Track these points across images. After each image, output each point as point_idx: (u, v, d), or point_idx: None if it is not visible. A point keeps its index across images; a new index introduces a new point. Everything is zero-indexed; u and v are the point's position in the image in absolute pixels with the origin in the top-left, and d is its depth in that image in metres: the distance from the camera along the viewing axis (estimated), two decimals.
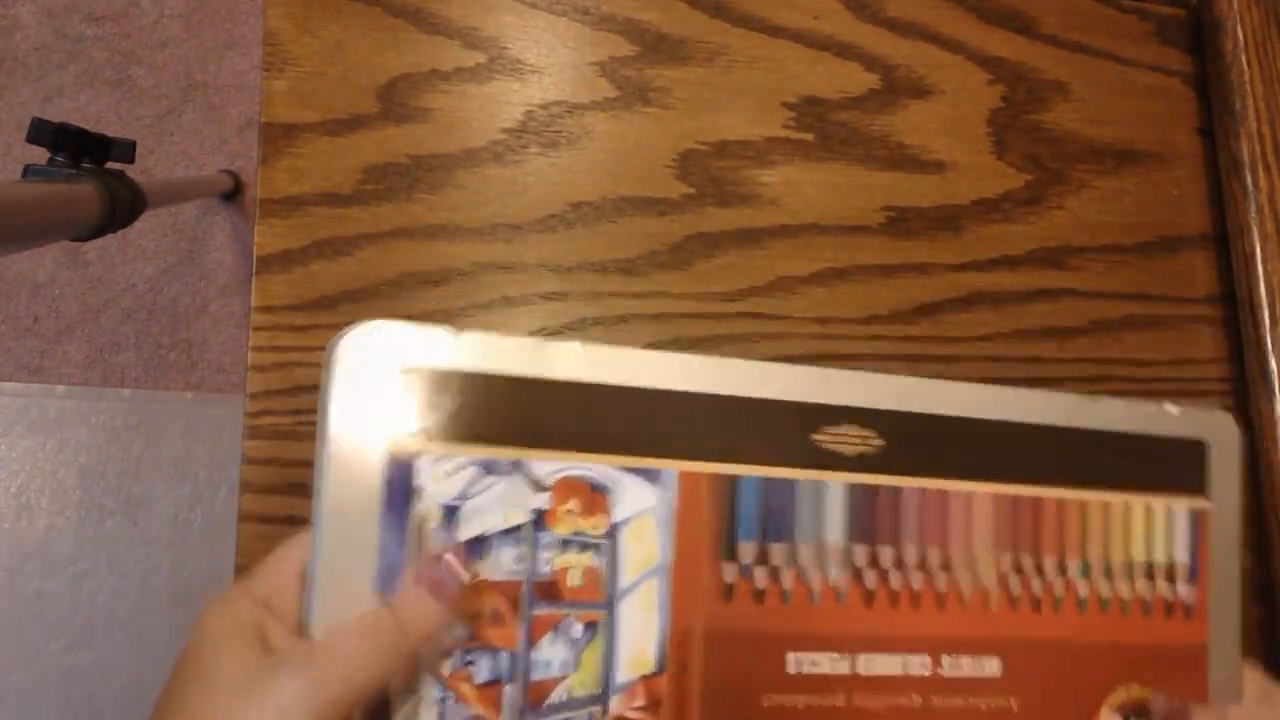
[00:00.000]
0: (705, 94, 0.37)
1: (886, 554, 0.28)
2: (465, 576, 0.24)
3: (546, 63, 0.37)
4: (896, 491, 0.28)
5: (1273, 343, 0.39)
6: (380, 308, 0.34)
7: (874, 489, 0.28)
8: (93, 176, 0.67)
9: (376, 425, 0.24)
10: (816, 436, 0.28)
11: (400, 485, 0.24)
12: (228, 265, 1.02)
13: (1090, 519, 0.30)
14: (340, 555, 0.24)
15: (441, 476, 0.25)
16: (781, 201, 0.37)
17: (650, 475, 0.26)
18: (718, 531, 0.27)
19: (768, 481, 0.27)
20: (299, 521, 0.32)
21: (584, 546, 0.26)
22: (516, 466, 0.25)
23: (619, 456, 0.26)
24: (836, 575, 0.28)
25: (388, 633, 0.23)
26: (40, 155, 0.68)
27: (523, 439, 0.25)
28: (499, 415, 0.25)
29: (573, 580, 0.26)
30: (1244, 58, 0.41)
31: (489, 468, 0.25)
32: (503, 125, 0.36)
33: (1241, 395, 0.40)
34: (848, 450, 0.28)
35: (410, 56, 0.36)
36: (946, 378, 0.37)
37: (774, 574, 0.27)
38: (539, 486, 0.26)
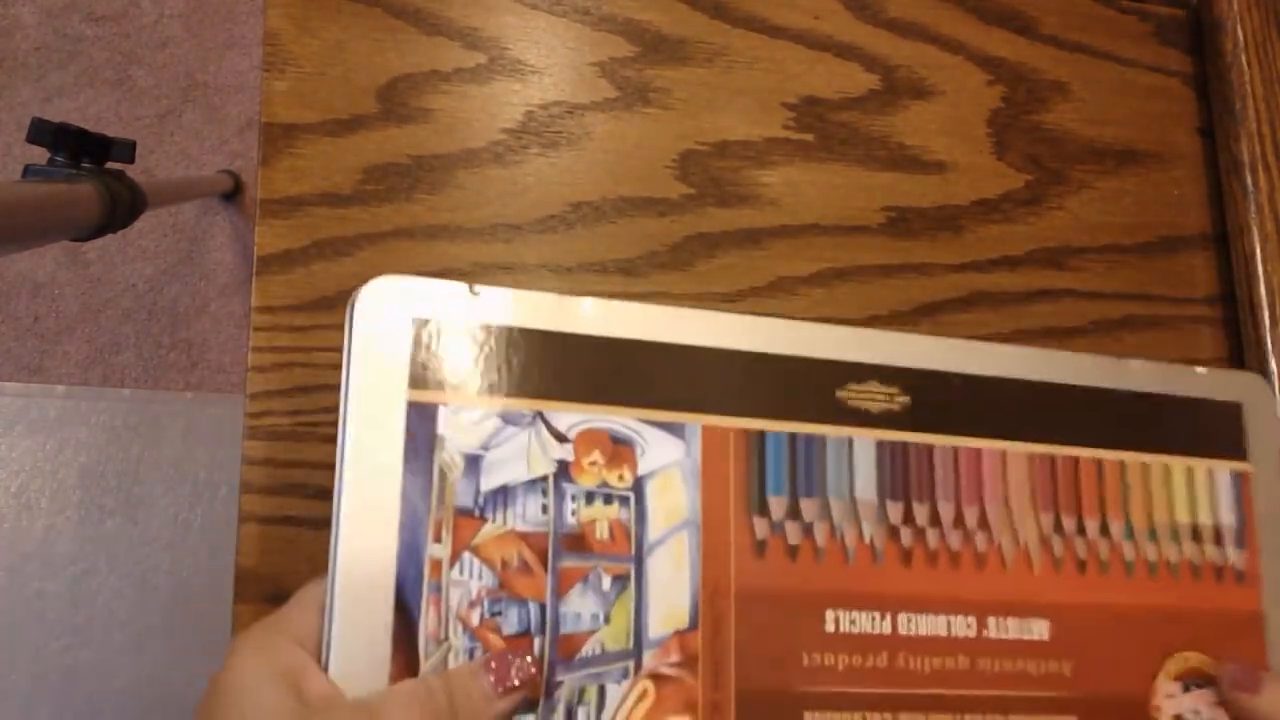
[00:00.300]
0: (705, 94, 0.37)
1: (921, 512, 0.28)
2: (535, 675, 0.24)
3: (547, 63, 0.37)
4: (928, 449, 0.28)
5: (1273, 343, 0.39)
6: None
7: (904, 446, 0.28)
8: (93, 176, 0.67)
9: (397, 375, 0.24)
10: (841, 393, 0.28)
11: (422, 434, 0.24)
12: (228, 265, 1.02)
13: (1130, 480, 0.29)
14: (364, 503, 0.24)
15: (463, 426, 0.25)
16: (782, 202, 0.37)
17: (674, 429, 0.26)
18: (746, 487, 0.27)
19: (794, 437, 0.27)
20: (299, 522, 0.32)
21: (609, 499, 0.26)
22: (538, 418, 0.25)
23: (642, 410, 0.26)
24: (871, 532, 0.27)
25: (436, 714, 0.22)
26: (40, 155, 0.68)
27: (544, 392, 0.25)
28: (519, 368, 0.25)
29: (600, 533, 0.25)
30: (1244, 58, 0.41)
31: (510, 419, 0.25)
32: (503, 126, 0.36)
33: None
34: (874, 407, 0.28)
35: (411, 57, 0.36)
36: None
37: (807, 530, 0.27)
38: (561, 438, 0.25)
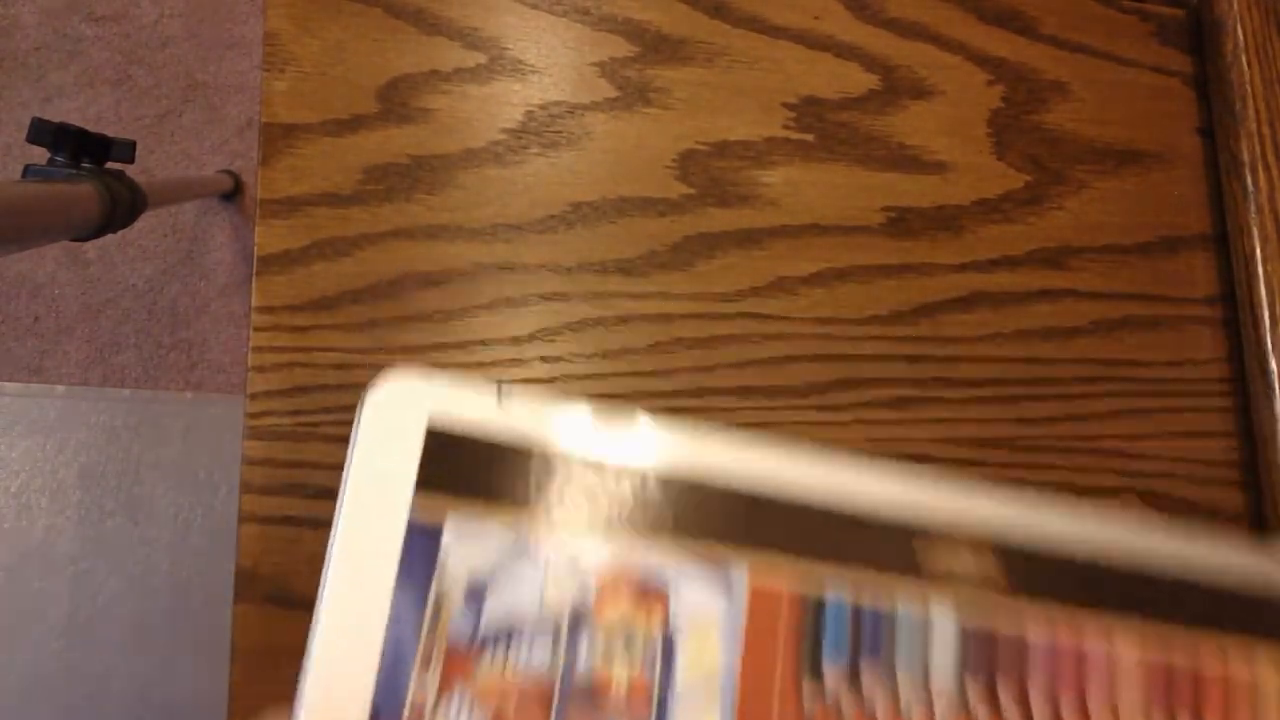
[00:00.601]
0: (705, 94, 0.37)
1: (1007, 695, 0.23)
2: None
3: (547, 63, 0.37)
4: (1019, 622, 0.24)
5: (1273, 343, 0.39)
6: (381, 308, 0.34)
7: (991, 616, 0.23)
8: (93, 176, 0.67)
9: (401, 485, 0.22)
10: (921, 551, 0.24)
11: (420, 556, 0.21)
12: (228, 265, 1.02)
13: (1265, 678, 0.24)
14: (344, 627, 0.21)
15: (469, 550, 0.22)
16: (782, 202, 0.37)
17: (717, 576, 0.22)
18: (797, 647, 0.23)
19: (860, 595, 0.23)
20: (299, 522, 0.32)
21: (632, 649, 0.22)
22: (557, 547, 0.22)
23: (681, 549, 0.22)
24: (943, 711, 0.23)
25: None
26: (40, 155, 0.68)
27: (568, 520, 0.22)
28: (542, 491, 0.22)
29: (617, 689, 0.22)
30: (1244, 58, 0.41)
31: (524, 546, 0.22)
32: (503, 126, 0.36)
33: (1241, 395, 0.40)
34: (959, 569, 0.24)
35: (410, 57, 0.36)
36: (946, 379, 0.37)
37: (867, 707, 0.22)
38: (582, 573, 0.22)
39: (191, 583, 0.95)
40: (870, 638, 0.23)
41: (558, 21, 0.37)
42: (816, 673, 0.22)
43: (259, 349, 0.33)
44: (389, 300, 0.34)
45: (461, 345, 0.34)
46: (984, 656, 0.23)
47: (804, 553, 0.23)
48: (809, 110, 0.38)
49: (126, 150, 0.73)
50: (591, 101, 0.37)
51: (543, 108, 0.36)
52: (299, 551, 0.32)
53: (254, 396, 0.33)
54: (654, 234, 0.36)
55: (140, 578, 0.95)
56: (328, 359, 0.33)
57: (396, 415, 0.22)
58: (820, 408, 0.36)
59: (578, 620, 0.22)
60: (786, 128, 0.38)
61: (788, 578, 0.23)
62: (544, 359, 0.34)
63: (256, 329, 0.33)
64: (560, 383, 0.34)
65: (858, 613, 0.23)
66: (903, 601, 0.23)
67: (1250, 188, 0.40)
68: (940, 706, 0.23)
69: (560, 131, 0.36)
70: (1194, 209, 0.41)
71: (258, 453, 0.33)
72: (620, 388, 0.35)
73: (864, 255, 0.37)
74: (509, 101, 0.36)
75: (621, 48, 0.37)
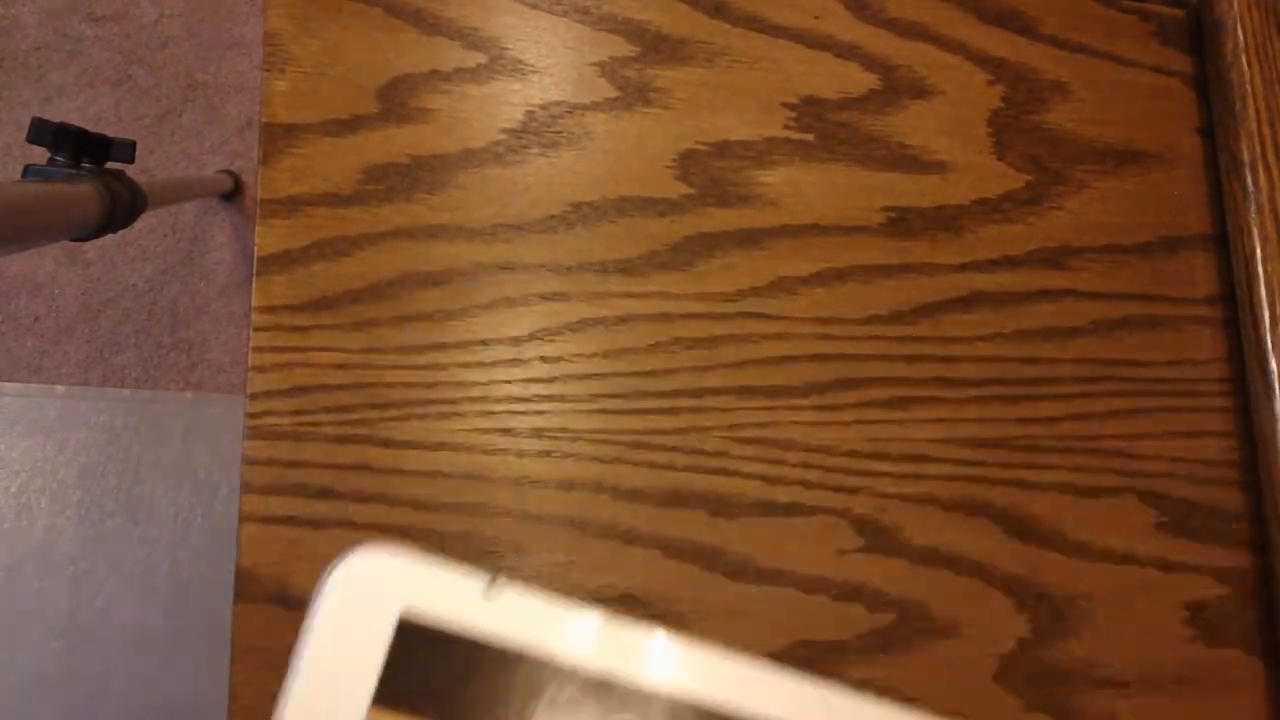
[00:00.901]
0: (705, 94, 0.37)
1: None
2: None
3: (547, 63, 0.37)
4: None
5: (1273, 343, 0.39)
6: (381, 308, 0.34)
7: None
8: (93, 176, 0.67)
9: (359, 686, 0.18)
10: None
11: None
12: (228, 265, 1.02)
13: None
14: None
15: None
16: (782, 202, 0.37)
17: None
18: None
19: None
20: (300, 522, 0.32)
21: None
22: None
23: None
24: None
25: None
26: (40, 155, 0.68)
27: None
28: (529, 712, 0.18)
29: None
30: (1244, 58, 0.41)
31: None
32: (503, 125, 0.36)
33: (1241, 395, 0.40)
34: None
35: (410, 57, 0.36)
36: (946, 379, 0.37)
37: None
38: None
39: (191, 583, 0.95)
40: None
41: (558, 21, 0.37)
42: None
43: (259, 349, 0.33)
44: (389, 300, 0.34)
45: (461, 345, 0.34)
46: None
47: None
48: (809, 110, 0.38)
49: (126, 150, 0.73)
50: (592, 101, 0.37)
51: (543, 108, 0.36)
52: (300, 552, 0.32)
53: (254, 396, 0.33)
54: (654, 234, 0.36)
55: (140, 578, 0.95)
56: (328, 359, 0.33)
57: (365, 598, 0.18)
58: (820, 407, 0.36)
59: None
60: (787, 127, 0.38)
61: None
62: (543, 359, 0.35)
63: (257, 329, 0.33)
64: (560, 383, 0.34)
65: None
66: None
67: (1250, 187, 0.40)
68: None
69: (560, 131, 0.36)
70: (1194, 209, 0.41)
71: (258, 453, 0.33)
72: (620, 388, 0.35)
73: (864, 255, 0.37)
74: (509, 101, 0.36)
75: (622, 47, 0.37)
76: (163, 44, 1.03)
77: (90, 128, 0.69)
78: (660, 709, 0.18)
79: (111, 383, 0.98)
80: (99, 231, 0.67)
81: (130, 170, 0.72)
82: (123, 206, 0.68)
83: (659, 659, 0.18)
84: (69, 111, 0.99)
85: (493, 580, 0.18)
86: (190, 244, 1.01)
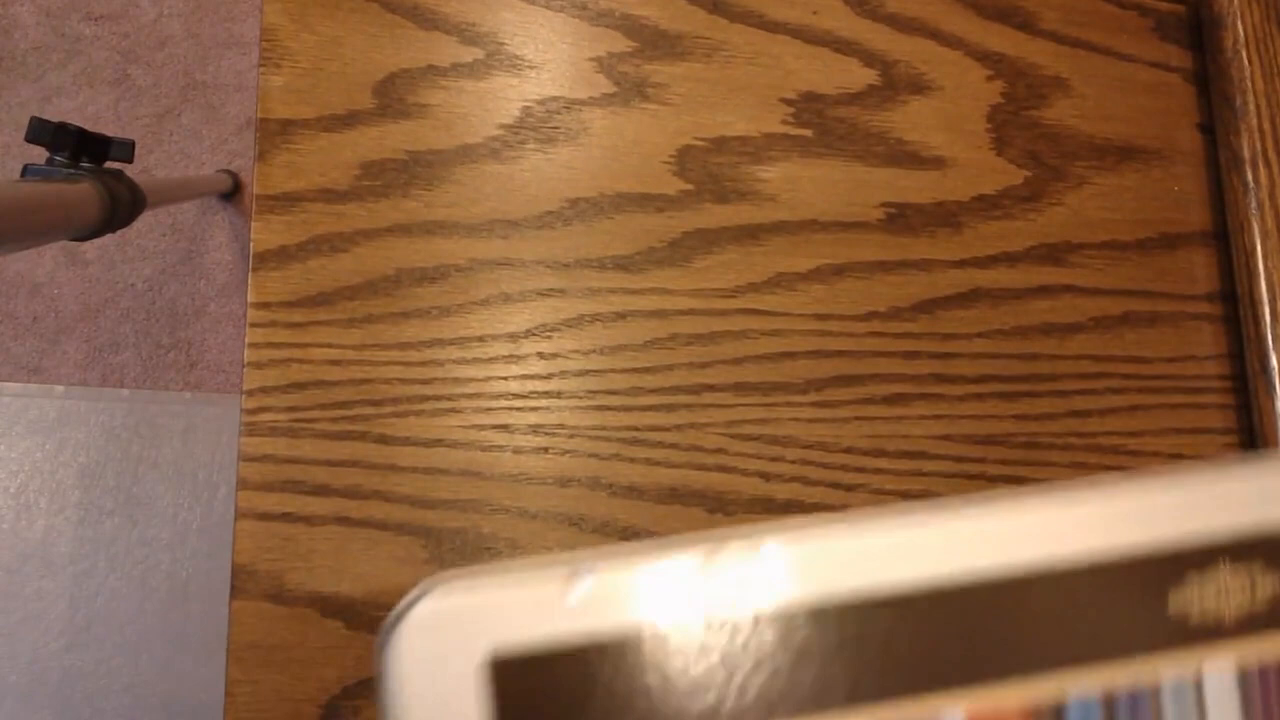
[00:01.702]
0: (703, 90, 0.37)
1: None
2: None
3: (544, 58, 0.36)
4: None
5: (1273, 339, 0.38)
6: (377, 304, 0.34)
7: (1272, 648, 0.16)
8: (92, 176, 0.67)
9: None
10: (1177, 599, 0.17)
11: None
12: (227, 265, 1.02)
13: None
14: None
15: None
16: (780, 198, 0.37)
17: None
18: None
19: (1112, 697, 0.16)
20: (296, 519, 0.32)
21: None
22: None
23: (869, 710, 0.16)
24: None
25: None
26: (39, 155, 0.68)
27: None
28: (659, 695, 0.16)
29: None
30: (1244, 54, 0.41)
31: None
32: (500, 121, 0.36)
33: (1241, 392, 0.40)
34: (1230, 609, 0.17)
35: (407, 52, 0.36)
36: (944, 375, 0.37)
37: None
38: None
39: (191, 582, 0.95)
40: None
41: (555, 17, 0.37)
42: None
43: (255, 345, 0.33)
44: (386, 296, 0.34)
45: (458, 341, 0.34)
46: (1277, 706, 0.16)
47: (1027, 653, 0.16)
48: (808, 106, 0.38)
49: (125, 149, 0.73)
50: (589, 97, 0.36)
51: (540, 103, 0.36)
52: (296, 548, 0.32)
53: (250, 393, 0.33)
54: (652, 230, 0.36)
55: (139, 578, 0.95)
56: (324, 355, 0.33)
57: (443, 657, 0.15)
58: (818, 404, 0.36)
59: None
60: (785, 123, 0.38)
61: (1011, 696, 0.16)
62: (541, 355, 0.34)
63: (253, 325, 0.33)
64: (557, 379, 0.34)
65: (1112, 708, 0.16)
66: (1167, 677, 0.17)
67: (1251, 183, 0.40)
68: None
69: (558, 127, 0.36)
70: (1194, 205, 0.41)
71: (254, 449, 0.32)
72: (617, 384, 0.35)
73: (863, 251, 0.37)
74: (506, 97, 0.36)
75: (619, 43, 0.37)
76: (162, 43, 1.03)
77: (89, 127, 0.69)
78: (806, 629, 0.16)
79: (111, 383, 0.98)
80: (98, 231, 0.67)
81: (129, 170, 0.72)
82: (122, 206, 0.68)
83: (778, 571, 0.16)
84: (68, 111, 0.99)
85: (570, 575, 0.15)
86: (189, 244, 1.01)
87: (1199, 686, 0.17)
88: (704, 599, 0.16)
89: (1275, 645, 0.17)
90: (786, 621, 0.16)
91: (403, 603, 0.15)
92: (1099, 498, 0.17)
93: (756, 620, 0.16)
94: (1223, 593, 0.17)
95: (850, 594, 0.16)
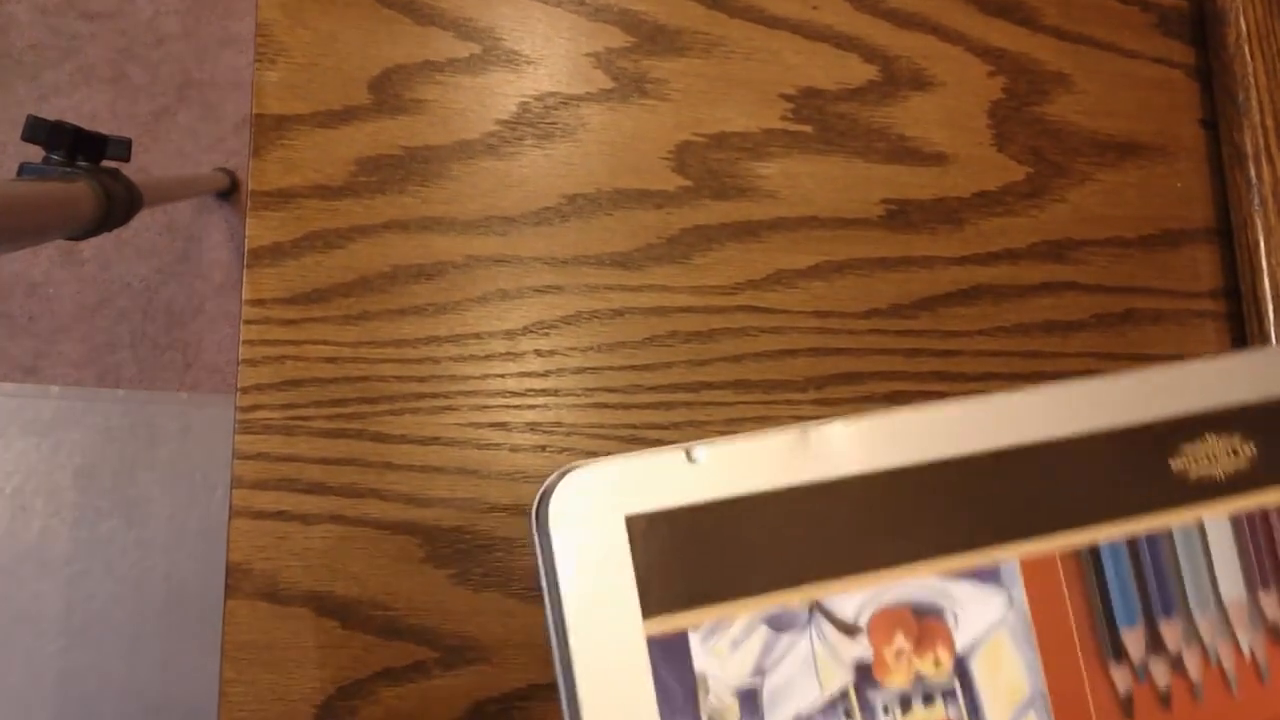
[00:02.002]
0: (702, 86, 0.37)
1: None
2: None
3: (541, 54, 0.36)
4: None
5: (1277, 337, 0.38)
6: (373, 301, 0.33)
7: (1264, 514, 0.21)
8: (88, 175, 0.67)
9: (625, 606, 0.19)
10: (1177, 463, 0.21)
11: (677, 678, 0.18)
12: (224, 264, 1.01)
13: None
14: None
15: (725, 653, 0.19)
16: (780, 194, 0.37)
17: (987, 576, 0.20)
18: (1093, 628, 0.20)
19: (1135, 543, 0.21)
20: (291, 517, 0.32)
21: (930, 698, 0.19)
22: (816, 611, 0.19)
23: (940, 561, 0.20)
24: (1250, 643, 0.21)
25: None
26: (35, 153, 0.68)
27: (813, 572, 0.19)
28: (774, 549, 0.19)
29: None
30: (1247, 50, 0.40)
31: (782, 623, 0.19)
32: (497, 117, 0.35)
33: None
34: (1220, 471, 0.21)
35: (403, 48, 0.35)
36: (945, 373, 0.37)
37: (1176, 665, 0.20)
38: (851, 630, 0.19)
39: (187, 584, 0.95)
40: (1155, 580, 0.21)
41: (552, 12, 0.36)
42: (1119, 649, 0.20)
43: (250, 342, 0.33)
44: (381, 293, 0.34)
45: (455, 339, 0.34)
46: (1270, 559, 0.21)
47: (1065, 509, 0.20)
48: (807, 101, 0.38)
49: (122, 148, 0.73)
50: (587, 93, 0.36)
51: (537, 99, 0.36)
52: (291, 546, 0.32)
53: (245, 390, 0.32)
54: (650, 226, 0.36)
55: (136, 579, 0.94)
56: (319, 352, 0.33)
57: (589, 521, 0.19)
58: (818, 402, 0.35)
59: (865, 686, 0.19)
60: (784, 119, 0.37)
61: (1058, 544, 0.20)
62: (538, 352, 0.34)
63: (247, 322, 0.33)
64: (555, 377, 0.34)
65: (1135, 552, 0.21)
66: (1176, 526, 0.21)
67: (1254, 180, 0.39)
68: (1243, 635, 0.21)
69: (555, 123, 0.36)
70: (1197, 202, 0.41)
71: (249, 447, 0.32)
72: (616, 382, 0.34)
73: (863, 248, 0.37)
74: (503, 93, 0.36)
75: (617, 38, 0.37)
76: (158, 41, 1.02)
77: (86, 125, 0.69)
78: (884, 490, 0.19)
79: (107, 383, 0.98)
80: (94, 230, 0.67)
81: (126, 168, 0.72)
82: (118, 205, 0.68)
83: (860, 445, 0.19)
84: (64, 109, 0.99)
85: (689, 451, 0.19)
86: (186, 243, 1.01)
87: (1202, 531, 0.21)
88: (799, 468, 0.19)
89: (1259, 497, 0.21)
90: (868, 485, 0.20)
91: (549, 480, 0.19)
92: (1107, 384, 0.21)
93: (844, 483, 0.19)
94: (1211, 457, 0.21)
95: (919, 461, 0.20)
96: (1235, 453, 0.22)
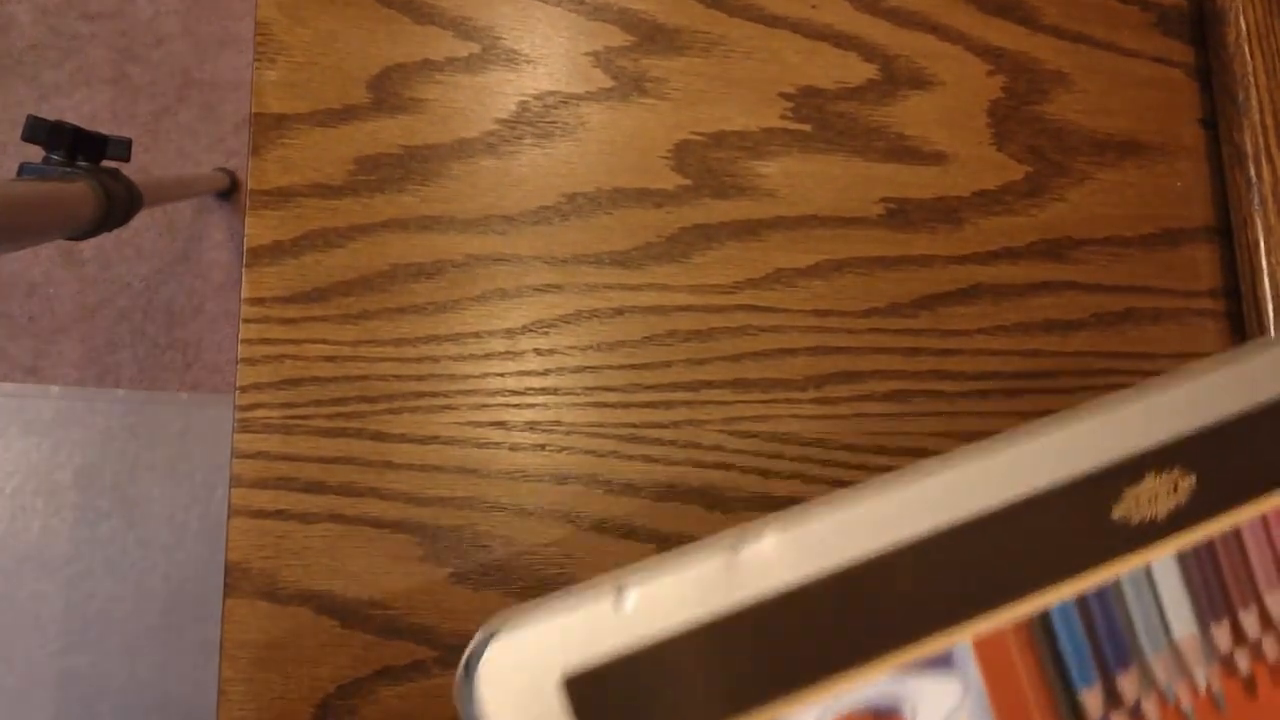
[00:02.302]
0: (701, 84, 0.37)
1: (1250, 620, 0.21)
2: None
3: (541, 53, 0.36)
4: (1235, 534, 0.21)
5: (1276, 336, 0.38)
6: (372, 300, 0.33)
7: (1209, 545, 0.21)
8: (88, 175, 0.67)
9: None
10: (1120, 510, 0.21)
11: None
12: (224, 264, 1.01)
13: None
14: None
15: None
16: (779, 193, 0.37)
17: (940, 663, 0.20)
18: (1050, 696, 0.20)
19: (1083, 600, 0.20)
20: (290, 516, 0.32)
21: None
22: None
23: (891, 657, 0.19)
24: (1204, 676, 0.21)
25: None
26: (35, 153, 0.68)
27: (764, 693, 0.19)
28: (721, 678, 0.18)
29: None
30: (1246, 49, 0.40)
31: None
32: (496, 116, 0.35)
33: None
34: (1162, 510, 0.21)
35: (403, 46, 0.35)
36: (945, 372, 0.37)
37: (1134, 713, 0.20)
38: None
39: (187, 584, 0.95)
40: (1107, 634, 0.20)
41: (552, 10, 0.36)
42: (1078, 713, 0.20)
43: (249, 341, 0.33)
44: (381, 292, 0.34)
45: (454, 337, 0.34)
46: (1217, 591, 0.21)
47: (1010, 580, 0.20)
48: (807, 100, 0.38)
49: (122, 148, 0.73)
50: (586, 92, 0.36)
51: (537, 98, 0.36)
52: (290, 545, 0.32)
53: (244, 389, 0.32)
54: (649, 225, 0.36)
55: (136, 579, 0.94)
56: (318, 351, 0.33)
57: (523, 688, 0.17)
58: (818, 401, 0.35)
59: None
60: (784, 118, 0.37)
61: (1006, 616, 0.20)
62: (537, 351, 0.34)
63: (246, 321, 0.33)
64: (554, 376, 0.34)
65: (1085, 610, 0.20)
66: (1125, 574, 0.20)
67: (1254, 179, 0.39)
68: (1198, 670, 0.21)
69: (555, 122, 0.36)
70: (1197, 201, 0.41)
71: (248, 446, 0.32)
72: (615, 381, 0.34)
73: (863, 247, 0.37)
74: (502, 91, 0.36)
75: (617, 37, 0.37)
76: (159, 41, 1.02)
77: (86, 125, 0.69)
78: (824, 595, 0.19)
79: (107, 383, 0.98)
80: (95, 230, 0.67)
81: (126, 168, 0.72)
82: (118, 205, 0.68)
83: (793, 552, 0.19)
84: (64, 109, 0.99)
85: (617, 593, 0.18)
86: (186, 242, 1.01)
87: (1149, 575, 0.21)
88: (734, 588, 0.19)
89: (1204, 529, 0.21)
90: (807, 594, 0.19)
91: (473, 644, 0.18)
92: (1038, 438, 0.20)
93: (783, 597, 0.19)
94: (1153, 499, 0.21)
95: (856, 559, 0.19)
96: (1176, 488, 0.21)
